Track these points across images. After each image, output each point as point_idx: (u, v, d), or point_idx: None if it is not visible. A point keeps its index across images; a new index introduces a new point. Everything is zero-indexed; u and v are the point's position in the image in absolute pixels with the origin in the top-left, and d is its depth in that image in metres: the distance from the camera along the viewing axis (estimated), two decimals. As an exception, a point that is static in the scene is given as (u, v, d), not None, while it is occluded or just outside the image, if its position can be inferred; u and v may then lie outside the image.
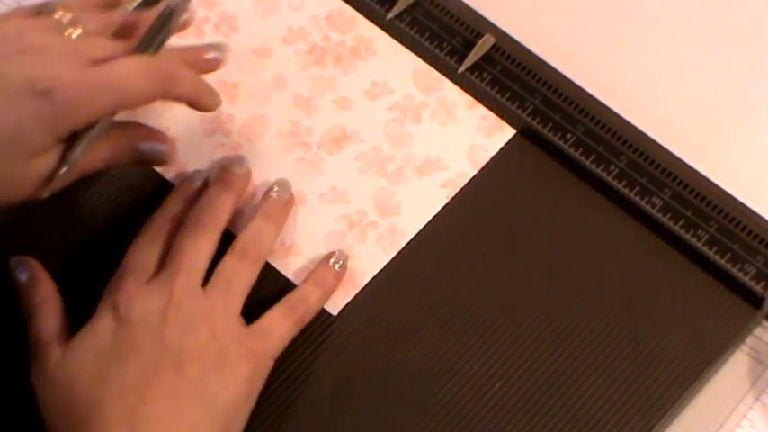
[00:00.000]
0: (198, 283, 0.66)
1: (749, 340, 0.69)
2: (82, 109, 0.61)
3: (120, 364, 0.63)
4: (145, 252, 0.68)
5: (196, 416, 0.63)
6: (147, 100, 0.64)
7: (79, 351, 0.65)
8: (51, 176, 0.62)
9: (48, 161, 0.62)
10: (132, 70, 0.63)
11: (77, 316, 0.67)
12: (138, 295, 0.65)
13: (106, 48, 0.64)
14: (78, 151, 0.62)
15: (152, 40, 0.65)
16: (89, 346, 0.65)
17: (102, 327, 0.65)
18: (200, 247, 0.67)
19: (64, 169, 0.62)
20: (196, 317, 0.65)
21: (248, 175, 0.72)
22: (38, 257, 0.70)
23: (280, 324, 0.68)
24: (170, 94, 0.65)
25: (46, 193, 0.63)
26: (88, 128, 0.62)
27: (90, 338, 0.65)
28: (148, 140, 0.67)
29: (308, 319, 0.69)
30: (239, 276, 0.67)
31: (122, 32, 0.66)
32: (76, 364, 0.64)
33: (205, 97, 0.66)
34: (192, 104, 0.66)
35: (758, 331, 0.69)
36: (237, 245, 0.68)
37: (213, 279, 0.67)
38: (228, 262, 0.68)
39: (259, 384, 0.66)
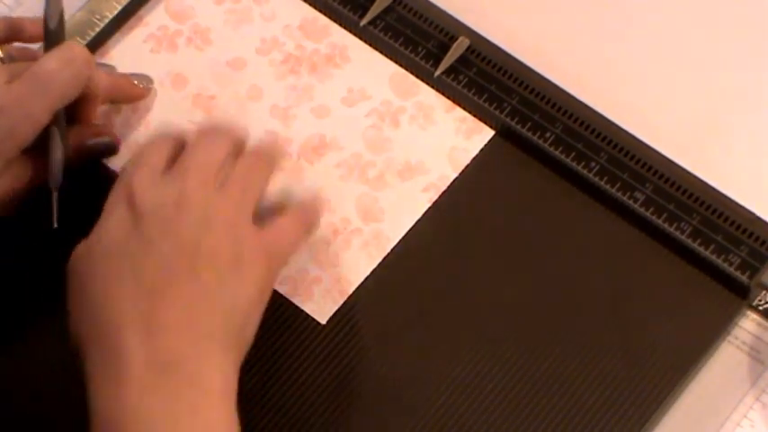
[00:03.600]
0: (212, 180, 0.65)
1: (749, 340, 0.69)
2: (20, 126, 0.66)
3: (134, 262, 0.62)
4: (154, 149, 0.66)
5: (211, 324, 0.61)
6: (75, 89, 0.68)
7: (95, 246, 0.63)
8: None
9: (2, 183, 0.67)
10: (50, 66, 0.67)
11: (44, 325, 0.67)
12: (150, 186, 0.64)
13: (21, 65, 0.69)
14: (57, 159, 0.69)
15: (54, 37, 0.69)
16: (103, 241, 0.63)
17: (115, 220, 0.64)
18: (213, 149, 0.66)
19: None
20: (211, 213, 0.63)
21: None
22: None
23: (292, 228, 0.67)
24: (92, 80, 0.70)
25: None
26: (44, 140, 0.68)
27: (103, 233, 0.63)
28: (94, 137, 0.72)
29: (316, 227, 0.69)
30: (253, 177, 0.66)
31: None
32: (94, 259, 0.63)
33: (127, 82, 0.75)
34: (120, 91, 0.74)
35: (759, 331, 0.69)
36: (249, 149, 0.68)
37: (226, 179, 0.65)
38: (241, 164, 0.66)
39: (270, 288, 0.65)
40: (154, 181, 0.64)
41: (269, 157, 0.68)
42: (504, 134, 0.74)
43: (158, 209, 0.63)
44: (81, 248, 0.64)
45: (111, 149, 0.73)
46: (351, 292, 0.70)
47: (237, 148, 0.67)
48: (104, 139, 0.73)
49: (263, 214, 0.67)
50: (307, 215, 0.68)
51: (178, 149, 0.67)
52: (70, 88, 0.68)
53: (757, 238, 0.70)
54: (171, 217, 0.63)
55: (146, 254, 0.62)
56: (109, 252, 0.62)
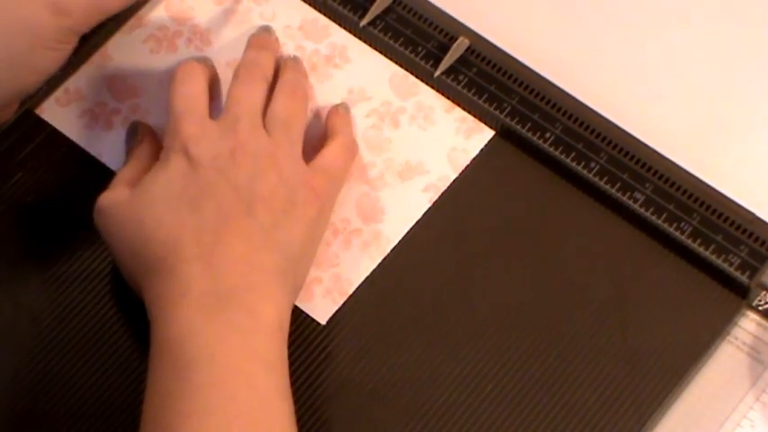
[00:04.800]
0: (261, 126, 0.69)
1: (749, 340, 0.69)
2: (90, 16, 0.69)
3: (193, 206, 0.65)
4: (189, 96, 0.69)
5: (269, 259, 0.65)
6: None
7: (150, 191, 0.67)
8: None
9: (64, 52, 0.69)
10: None
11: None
12: (203, 136, 0.67)
13: None
14: None
15: None
16: (160, 187, 0.66)
17: (171, 169, 0.67)
18: (255, 96, 0.70)
19: None
20: (263, 160, 0.67)
21: (278, 41, 0.75)
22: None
23: (339, 159, 0.71)
24: None
25: None
26: None
27: (161, 180, 0.67)
28: None
29: (356, 155, 0.73)
30: (295, 116, 0.70)
31: None
32: (148, 203, 0.66)
33: None
34: None
35: (759, 331, 0.69)
36: (283, 86, 0.71)
37: (271, 122, 0.69)
38: (281, 103, 0.70)
39: (324, 224, 0.70)
40: (205, 130, 0.67)
41: (302, 91, 0.72)
42: (503, 134, 0.74)
43: (214, 159, 0.66)
44: (125, 196, 0.67)
45: None
46: (351, 292, 0.70)
47: (270, 82, 0.71)
48: None
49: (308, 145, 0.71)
50: (348, 147, 0.72)
51: (211, 81, 0.71)
52: None
53: (757, 239, 0.70)
54: (227, 166, 0.66)
55: (205, 198, 0.65)
56: (168, 196, 0.66)
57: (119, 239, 0.67)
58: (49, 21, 0.67)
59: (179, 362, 0.62)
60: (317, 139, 0.72)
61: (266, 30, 0.75)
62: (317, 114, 0.75)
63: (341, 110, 0.74)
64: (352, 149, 0.72)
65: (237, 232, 0.65)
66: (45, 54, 0.68)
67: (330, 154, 0.71)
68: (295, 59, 0.75)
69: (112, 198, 0.68)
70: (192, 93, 0.70)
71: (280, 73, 0.73)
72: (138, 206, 0.67)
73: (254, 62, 0.72)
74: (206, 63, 0.73)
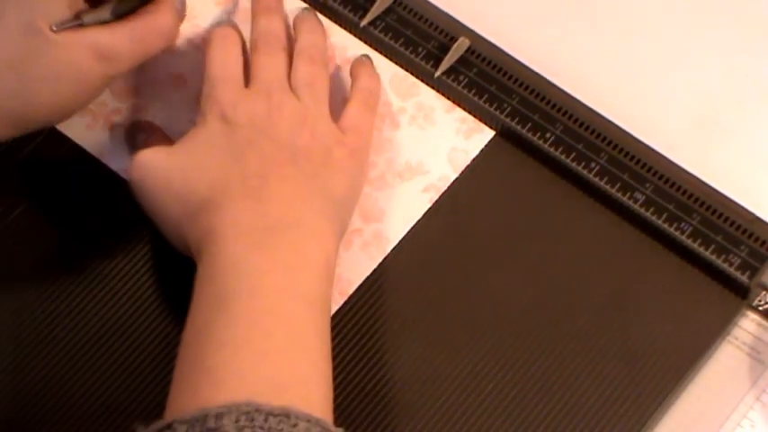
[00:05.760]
0: (290, 91, 0.70)
1: (749, 340, 0.69)
2: (133, 61, 0.69)
3: (237, 156, 0.67)
4: (224, 63, 0.71)
5: (315, 201, 0.66)
6: (174, 34, 0.71)
7: (191, 146, 0.68)
8: None
9: (101, 92, 0.70)
10: (158, 18, 0.69)
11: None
12: (239, 101, 0.69)
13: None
14: None
15: None
16: (201, 142, 0.68)
17: (211, 129, 0.68)
18: (279, 65, 0.71)
19: None
20: (297, 120, 0.68)
21: None
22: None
23: (363, 117, 0.72)
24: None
25: None
26: None
27: (201, 137, 0.68)
28: None
29: (377, 106, 0.74)
30: (318, 80, 0.71)
31: None
32: (190, 154, 0.68)
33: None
34: None
35: (759, 331, 0.69)
36: (301, 54, 0.72)
37: (296, 87, 0.70)
38: (301, 70, 0.71)
39: (363, 179, 0.71)
40: (240, 96, 0.69)
41: (319, 54, 0.72)
42: (504, 135, 0.74)
43: (252, 120, 0.68)
44: (162, 155, 0.68)
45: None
46: (351, 292, 0.70)
47: (288, 48, 0.73)
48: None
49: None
50: (368, 96, 0.73)
51: (241, 57, 0.72)
52: (172, 36, 0.71)
53: (757, 239, 0.70)
54: (265, 125, 0.68)
55: (248, 150, 0.67)
56: (210, 149, 0.67)
57: (160, 189, 0.68)
58: (93, 67, 0.67)
59: (220, 293, 0.62)
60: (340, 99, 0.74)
61: None
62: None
63: (363, 59, 0.75)
64: (370, 104, 0.73)
65: (283, 176, 0.66)
66: (85, 97, 0.69)
67: (353, 112, 0.72)
68: (307, 12, 0.75)
69: (151, 153, 0.69)
70: (227, 58, 0.71)
71: (295, 34, 0.74)
72: (180, 158, 0.68)
73: (268, 32, 0.73)
74: (237, 29, 0.74)
